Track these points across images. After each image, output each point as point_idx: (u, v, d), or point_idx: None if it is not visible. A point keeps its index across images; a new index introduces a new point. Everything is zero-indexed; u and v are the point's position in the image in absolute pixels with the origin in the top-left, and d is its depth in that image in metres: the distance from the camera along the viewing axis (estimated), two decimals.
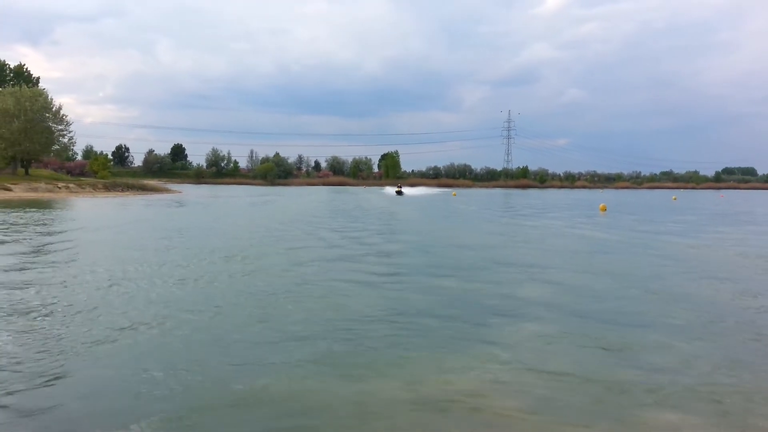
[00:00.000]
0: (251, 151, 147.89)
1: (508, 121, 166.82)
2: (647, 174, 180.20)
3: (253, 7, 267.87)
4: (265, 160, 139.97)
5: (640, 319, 8.28)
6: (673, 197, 74.27)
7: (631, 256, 15.22)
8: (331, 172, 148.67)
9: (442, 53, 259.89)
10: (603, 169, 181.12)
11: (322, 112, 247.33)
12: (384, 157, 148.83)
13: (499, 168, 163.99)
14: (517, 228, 24.68)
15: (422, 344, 6.88)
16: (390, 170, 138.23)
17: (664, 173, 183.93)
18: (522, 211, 39.54)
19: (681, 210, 42.89)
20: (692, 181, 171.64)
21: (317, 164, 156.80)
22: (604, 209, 38.42)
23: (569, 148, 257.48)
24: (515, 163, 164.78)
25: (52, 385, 5.43)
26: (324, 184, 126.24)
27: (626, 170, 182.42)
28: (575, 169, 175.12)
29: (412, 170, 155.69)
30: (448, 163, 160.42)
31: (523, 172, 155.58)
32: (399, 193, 68.18)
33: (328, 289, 10.10)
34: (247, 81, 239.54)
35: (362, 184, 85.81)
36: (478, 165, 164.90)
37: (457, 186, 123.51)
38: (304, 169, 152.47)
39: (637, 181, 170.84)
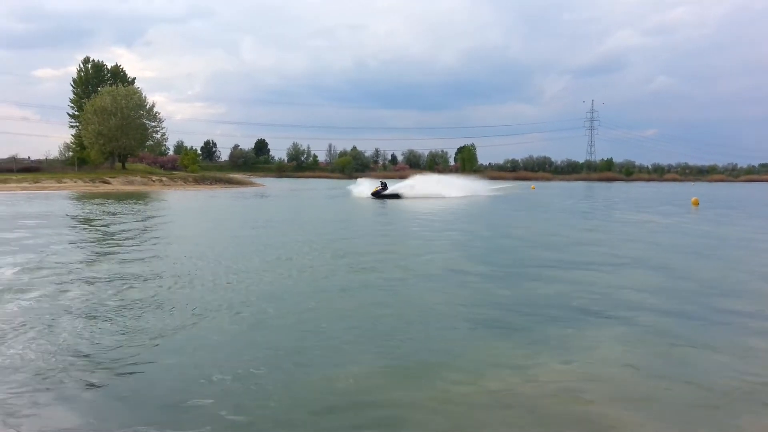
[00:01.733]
0: (329, 145, 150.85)
1: (591, 111, 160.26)
2: (744, 166, 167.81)
3: (330, 3, 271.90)
4: (343, 153, 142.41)
5: (748, 321, 7.75)
6: None
7: (737, 256, 14.27)
8: (407, 166, 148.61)
9: (521, 43, 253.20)
10: (695, 160, 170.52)
11: (399, 106, 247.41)
12: (460, 150, 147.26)
13: (581, 160, 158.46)
14: (610, 224, 23.74)
15: (511, 341, 6.76)
16: (466, 163, 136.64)
17: (762, 165, 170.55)
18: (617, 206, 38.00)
19: None
20: None
21: (393, 158, 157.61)
22: (697, 203, 36.18)
23: (658, 138, 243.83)
24: (599, 155, 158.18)
25: (135, 369, 5.77)
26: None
27: (720, 162, 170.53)
28: (664, 161, 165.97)
29: (489, 163, 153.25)
30: (527, 156, 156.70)
31: (608, 165, 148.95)
32: (378, 194, 35.43)
33: (406, 283, 10.13)
34: (325, 77, 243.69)
35: None
36: (558, 157, 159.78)
37: (536, 179, 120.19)
38: (381, 163, 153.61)
39: (732, 174, 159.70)
